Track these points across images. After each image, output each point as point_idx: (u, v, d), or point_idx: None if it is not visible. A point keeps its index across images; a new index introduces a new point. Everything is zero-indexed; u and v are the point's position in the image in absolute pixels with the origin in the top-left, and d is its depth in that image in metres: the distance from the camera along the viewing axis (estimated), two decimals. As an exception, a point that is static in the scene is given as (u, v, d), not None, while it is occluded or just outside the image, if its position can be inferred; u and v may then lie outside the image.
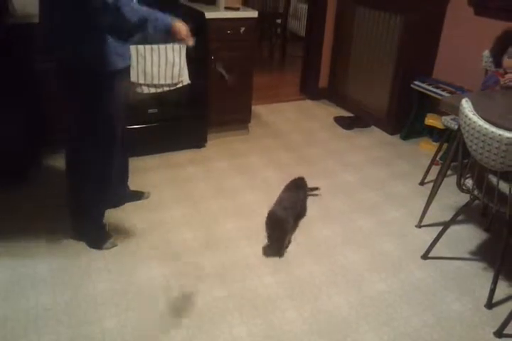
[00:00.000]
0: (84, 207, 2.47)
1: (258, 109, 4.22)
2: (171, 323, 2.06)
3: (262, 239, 2.61)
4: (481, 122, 1.96)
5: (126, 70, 2.36)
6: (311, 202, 2.97)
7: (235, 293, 2.24)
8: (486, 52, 3.00)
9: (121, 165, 2.64)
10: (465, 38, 3.55)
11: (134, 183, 2.89)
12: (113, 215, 2.69)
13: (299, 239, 2.64)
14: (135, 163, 3.11)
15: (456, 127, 2.63)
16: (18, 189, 2.91)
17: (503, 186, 2.17)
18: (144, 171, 3.20)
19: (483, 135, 1.95)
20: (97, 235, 2.52)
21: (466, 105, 2.07)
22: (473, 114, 2.01)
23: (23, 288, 2.22)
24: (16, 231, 2.57)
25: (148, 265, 2.39)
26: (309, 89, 4.70)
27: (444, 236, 2.49)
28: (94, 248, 2.48)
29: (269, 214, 2.48)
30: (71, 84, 2.19)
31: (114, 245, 2.50)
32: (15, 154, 2.91)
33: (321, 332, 2.05)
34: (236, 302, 2.19)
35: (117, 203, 2.78)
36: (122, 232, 2.60)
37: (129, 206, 2.83)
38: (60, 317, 2.07)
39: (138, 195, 2.89)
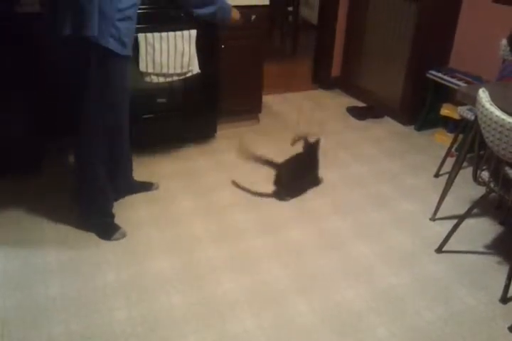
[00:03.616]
0: (94, 194, 2.46)
1: (269, 98, 4.17)
2: (181, 315, 2.05)
3: (274, 231, 2.59)
4: (498, 113, 1.91)
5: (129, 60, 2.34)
6: (321, 194, 2.94)
7: (245, 286, 2.22)
8: (504, 41, 2.92)
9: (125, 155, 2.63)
10: (482, 26, 3.46)
11: (142, 174, 2.88)
12: (122, 206, 2.68)
13: (309, 231, 2.61)
14: (144, 154, 3.10)
15: (473, 118, 2.58)
16: (30, 178, 2.91)
17: (521, 179, 2.13)
18: (153, 162, 3.18)
19: (501, 126, 1.90)
20: (106, 226, 2.51)
21: (483, 95, 2.02)
22: (491, 105, 1.96)
23: (32, 278, 2.22)
24: (26, 221, 2.58)
25: (157, 256, 2.38)
26: (321, 79, 4.63)
27: (459, 230, 2.45)
28: (103, 239, 2.48)
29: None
30: (87, 65, 2.18)
31: (123, 236, 2.49)
32: (27, 143, 2.89)
33: (332, 326, 2.03)
34: (246, 294, 2.18)
35: (122, 192, 2.75)
36: (132, 223, 2.58)
37: (138, 197, 2.81)
38: (69, 307, 2.07)
39: (147, 186, 2.87)
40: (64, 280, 2.21)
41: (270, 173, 3.14)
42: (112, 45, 2.13)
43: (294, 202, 2.86)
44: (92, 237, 2.48)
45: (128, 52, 2.24)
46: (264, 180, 3.04)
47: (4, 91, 2.71)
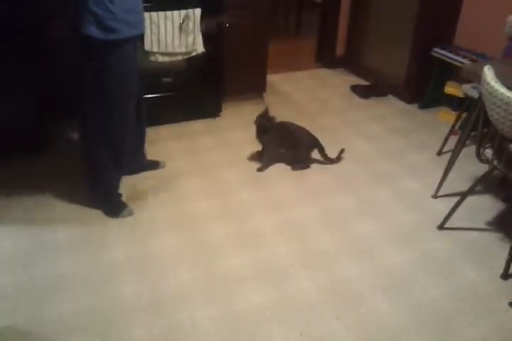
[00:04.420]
0: (99, 175, 2.48)
1: (273, 77, 4.15)
2: (186, 291, 2.09)
3: (279, 209, 2.62)
4: (503, 90, 1.91)
5: (137, 39, 2.32)
6: (325, 171, 2.96)
7: (249, 263, 2.26)
8: (511, 17, 2.89)
9: (137, 134, 2.64)
10: (488, 3, 3.41)
11: (149, 153, 2.89)
12: (129, 184, 2.71)
13: (313, 208, 2.64)
14: (150, 133, 3.08)
15: (477, 95, 2.57)
16: (36, 158, 2.93)
17: (524, 156, 2.13)
18: (159, 141, 3.19)
19: (505, 103, 1.90)
20: (113, 204, 2.54)
21: (489, 72, 2.01)
22: (496, 82, 1.95)
23: (41, 255, 2.26)
24: (34, 200, 2.61)
25: (164, 233, 2.41)
26: (325, 58, 4.59)
27: (461, 207, 2.47)
28: (110, 216, 2.51)
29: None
30: (81, 53, 2.18)
31: (130, 213, 2.52)
32: (31, 123, 2.90)
33: (335, 302, 2.07)
34: (251, 271, 2.21)
35: (132, 171, 2.78)
36: (138, 201, 2.61)
37: (144, 175, 2.83)
38: (78, 284, 2.11)
39: (154, 165, 2.89)
40: (73, 258, 2.25)
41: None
42: (92, 31, 2.06)
43: (299, 179, 2.89)
44: (100, 215, 2.51)
45: (116, 36, 2.11)
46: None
47: (5, 72, 2.70)
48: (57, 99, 3.02)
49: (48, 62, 2.87)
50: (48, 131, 3.11)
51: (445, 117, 3.61)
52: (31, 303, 2.01)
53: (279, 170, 2.97)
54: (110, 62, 2.19)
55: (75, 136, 3.00)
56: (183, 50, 3.00)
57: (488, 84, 1.98)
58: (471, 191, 2.44)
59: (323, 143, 2.98)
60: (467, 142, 2.71)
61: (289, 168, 2.99)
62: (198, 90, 3.32)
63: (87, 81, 2.25)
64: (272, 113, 2.93)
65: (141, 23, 2.27)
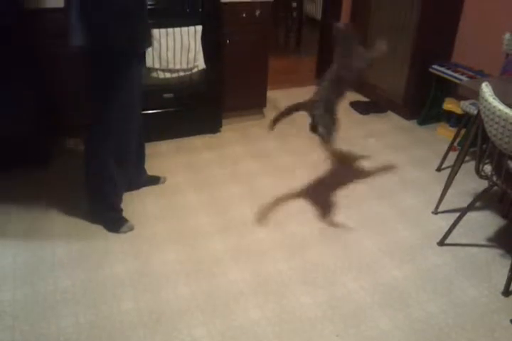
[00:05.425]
0: (101, 189, 2.49)
1: (273, 93, 4.18)
2: (186, 307, 2.08)
3: (278, 224, 2.62)
4: (501, 107, 1.92)
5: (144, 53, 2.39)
6: (325, 186, 2.96)
7: (249, 278, 2.25)
8: (508, 35, 2.93)
9: (137, 149, 2.65)
10: (485, 20, 3.46)
11: (149, 168, 2.90)
12: (130, 199, 2.71)
13: (312, 224, 2.64)
14: (150, 148, 3.12)
15: (475, 112, 2.59)
16: (38, 172, 2.94)
17: (523, 172, 2.14)
18: (160, 156, 3.21)
19: (504, 120, 1.91)
20: (114, 219, 2.54)
21: (487, 89, 2.02)
22: (494, 99, 1.97)
23: (41, 271, 2.25)
24: (35, 214, 2.61)
25: (164, 249, 2.41)
26: (325, 74, 4.63)
27: (461, 223, 2.47)
28: (111, 231, 2.51)
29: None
30: (98, 67, 2.21)
31: (130, 229, 2.52)
32: (35, 137, 2.91)
33: (335, 318, 2.06)
34: (250, 286, 2.20)
35: (133, 186, 2.79)
36: (139, 216, 2.61)
37: (145, 190, 2.84)
38: (78, 299, 2.10)
39: (154, 180, 2.90)
40: (72, 273, 2.24)
41: (273, 166, 3.16)
42: (115, 45, 2.13)
43: (299, 195, 2.89)
44: (101, 230, 2.52)
45: (139, 49, 2.25)
46: (268, 172, 3.07)
47: (8, 84, 2.71)
48: (62, 111, 3.04)
49: (56, 72, 2.90)
50: (49, 145, 3.12)
51: (444, 133, 3.63)
52: (30, 319, 2.00)
53: (278, 186, 2.97)
54: (122, 73, 2.24)
55: (77, 150, 3.03)
56: (184, 66, 3.03)
57: (486, 100, 2.00)
58: (471, 207, 2.44)
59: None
60: (466, 158, 2.73)
61: (285, 183, 2.98)
62: (198, 106, 3.35)
63: (97, 92, 2.28)
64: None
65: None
